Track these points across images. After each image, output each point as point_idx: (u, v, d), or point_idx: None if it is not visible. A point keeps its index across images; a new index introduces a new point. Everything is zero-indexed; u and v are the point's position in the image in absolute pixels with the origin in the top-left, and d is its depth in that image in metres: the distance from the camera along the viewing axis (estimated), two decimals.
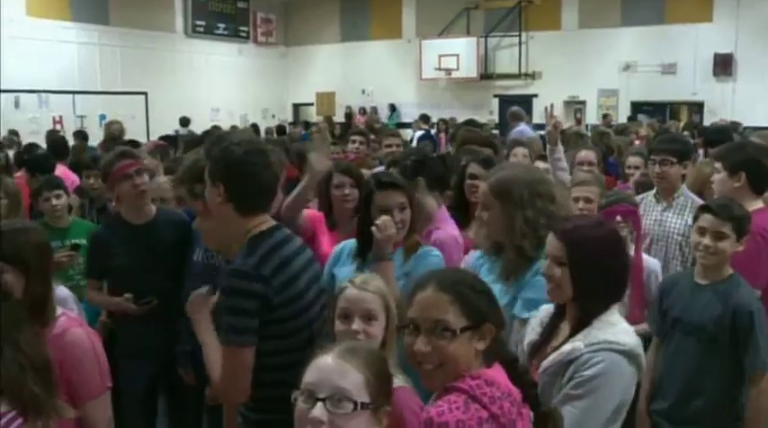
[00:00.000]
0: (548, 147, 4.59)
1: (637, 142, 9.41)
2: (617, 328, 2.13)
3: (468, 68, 19.33)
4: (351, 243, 3.08)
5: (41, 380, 1.69)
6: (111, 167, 3.51)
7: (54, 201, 4.27)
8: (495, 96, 19.48)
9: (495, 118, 18.50)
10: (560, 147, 4.51)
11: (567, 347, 2.12)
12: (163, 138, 8.85)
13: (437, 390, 1.80)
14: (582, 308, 2.17)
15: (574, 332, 2.16)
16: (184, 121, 16.16)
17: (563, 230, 2.20)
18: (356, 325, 2.19)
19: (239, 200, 2.38)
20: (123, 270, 3.48)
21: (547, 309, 2.35)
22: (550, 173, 4.32)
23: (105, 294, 3.61)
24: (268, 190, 2.45)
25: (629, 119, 15.95)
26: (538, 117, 12.71)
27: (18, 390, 1.63)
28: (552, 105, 5.07)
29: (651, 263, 3.57)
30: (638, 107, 17.79)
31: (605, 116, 16.23)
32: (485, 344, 1.79)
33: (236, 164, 2.35)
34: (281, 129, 11.00)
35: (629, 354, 2.09)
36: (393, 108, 20.72)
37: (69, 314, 2.39)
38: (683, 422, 2.96)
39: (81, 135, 11.30)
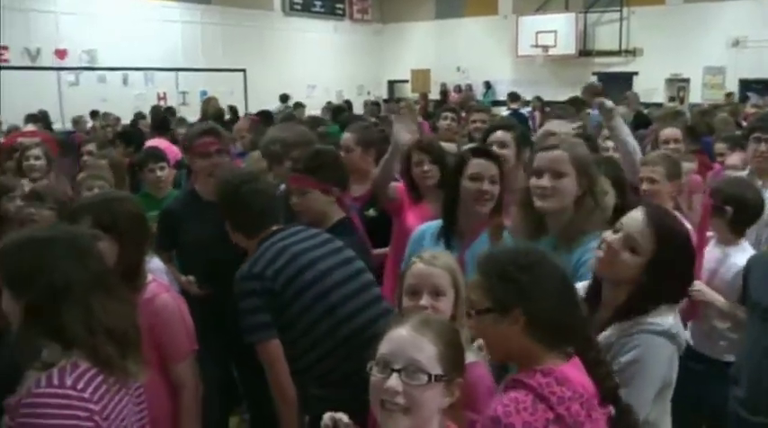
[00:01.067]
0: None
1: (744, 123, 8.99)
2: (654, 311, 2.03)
3: (567, 45, 18.88)
4: (434, 225, 3.01)
5: (117, 342, 1.78)
6: (192, 142, 3.57)
7: (158, 173, 4.50)
8: (594, 74, 18.93)
9: None
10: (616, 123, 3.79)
11: (606, 332, 2.04)
12: (259, 113, 9.03)
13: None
14: (637, 298, 2.04)
15: (615, 317, 2.07)
16: (284, 98, 16.43)
17: (653, 215, 2.08)
18: (425, 300, 2.16)
19: (243, 230, 2.77)
20: (192, 244, 3.50)
21: (582, 286, 2.20)
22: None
23: (174, 268, 3.59)
24: (266, 213, 2.76)
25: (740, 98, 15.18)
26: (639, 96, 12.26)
27: (91, 350, 1.73)
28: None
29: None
30: (747, 85, 16.87)
31: (728, 94, 15.48)
32: (520, 328, 1.74)
33: (232, 201, 2.75)
34: (375, 106, 11.05)
35: (667, 334, 2.00)
36: (488, 86, 20.46)
37: (159, 280, 2.53)
38: (760, 411, 2.83)
39: (169, 111, 11.73)
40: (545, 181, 2.57)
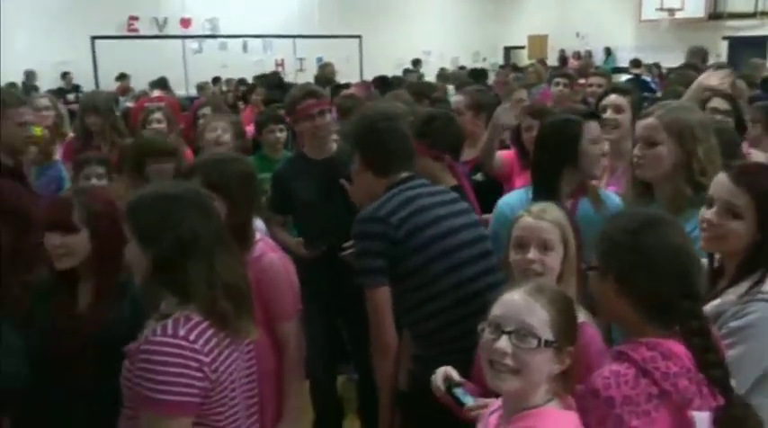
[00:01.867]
0: None
1: None
2: None
3: (695, 8, 17.83)
4: (515, 197, 2.92)
5: (232, 299, 1.85)
6: (296, 106, 3.59)
7: (278, 134, 4.63)
8: (725, 38, 17.87)
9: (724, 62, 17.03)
10: None
11: (716, 301, 1.93)
12: (377, 79, 9.04)
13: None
14: (751, 260, 1.93)
15: (729, 284, 1.96)
16: (415, 62, 16.34)
17: (737, 173, 1.96)
18: (532, 254, 2.09)
19: (373, 167, 2.61)
20: (304, 205, 3.56)
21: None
22: None
23: (285, 232, 3.68)
24: (399, 154, 2.61)
25: None
26: None
27: (208, 305, 1.80)
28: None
29: None
30: None
31: None
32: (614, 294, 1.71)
33: (367, 135, 2.59)
34: (477, 73, 10.81)
35: None
36: (608, 52, 19.70)
37: (266, 240, 2.61)
38: None
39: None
40: (639, 149, 2.52)
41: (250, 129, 6.52)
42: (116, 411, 1.93)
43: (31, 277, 3.13)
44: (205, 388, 1.74)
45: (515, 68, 16.51)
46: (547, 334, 1.60)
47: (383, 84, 8.00)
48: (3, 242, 3.06)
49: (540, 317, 1.61)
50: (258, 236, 2.56)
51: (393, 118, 2.69)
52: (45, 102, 5.35)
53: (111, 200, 2.41)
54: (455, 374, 2.01)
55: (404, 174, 2.62)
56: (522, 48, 21.66)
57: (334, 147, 3.67)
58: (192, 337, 1.73)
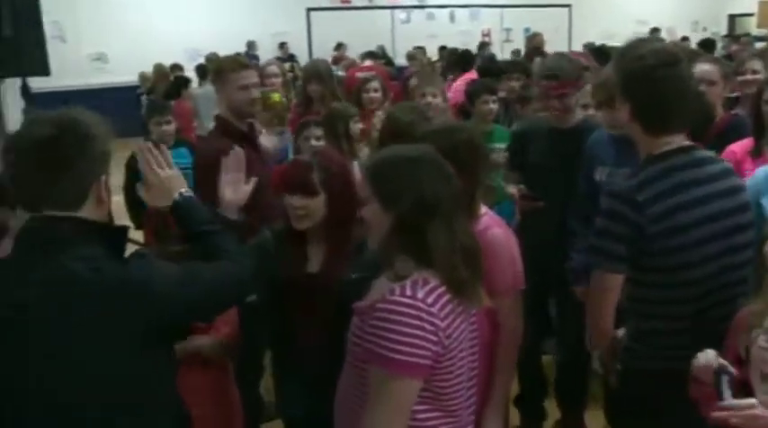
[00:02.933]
0: None
1: None
2: None
3: None
4: None
5: (470, 265, 1.82)
6: (539, 83, 3.56)
7: (491, 105, 4.58)
8: None
9: None
10: None
11: None
12: (592, 50, 8.64)
13: None
14: None
15: None
16: (654, 30, 15.58)
17: None
18: None
19: (644, 119, 2.18)
20: (535, 167, 3.56)
21: None
22: None
23: (517, 189, 3.69)
24: (677, 108, 2.16)
25: None
26: None
27: (448, 269, 1.78)
28: None
29: None
30: None
31: None
32: None
33: (641, 80, 2.15)
34: (707, 44, 9.93)
35: None
36: None
37: (491, 214, 2.54)
38: None
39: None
40: None
41: (454, 97, 6.52)
42: (339, 365, 1.97)
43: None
44: (437, 353, 1.72)
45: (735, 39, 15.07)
46: None
47: (600, 54, 7.60)
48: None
49: None
50: (484, 209, 2.50)
51: (674, 63, 2.17)
52: (274, 69, 5.63)
53: (345, 163, 2.46)
54: (729, 365, 1.80)
55: (676, 141, 2.18)
56: (751, 15, 19.81)
57: (580, 117, 3.58)
58: (429, 300, 1.71)
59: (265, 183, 3.52)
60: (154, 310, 1.60)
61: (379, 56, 10.37)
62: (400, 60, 13.24)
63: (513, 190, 3.66)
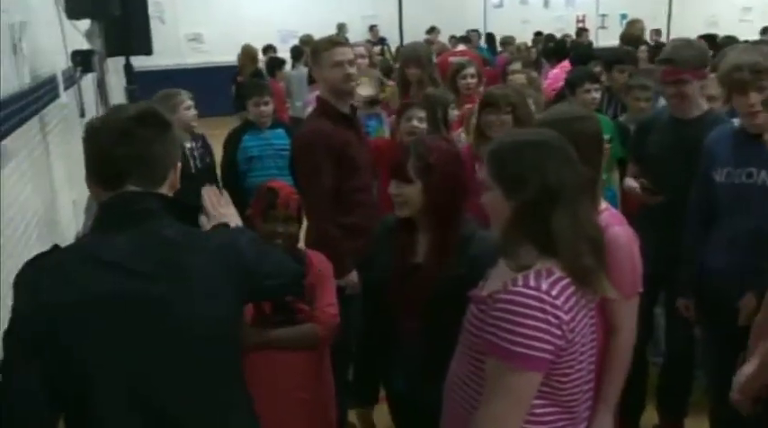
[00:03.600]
0: None
1: None
2: None
3: None
4: None
5: (594, 253, 1.73)
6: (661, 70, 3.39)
7: (593, 94, 4.44)
8: None
9: None
10: None
11: None
12: (702, 38, 8.25)
13: None
14: None
15: None
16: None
17: None
18: None
19: None
20: (653, 159, 3.41)
21: None
22: None
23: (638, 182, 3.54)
24: None
25: None
26: None
27: (573, 258, 1.70)
28: None
29: None
30: None
31: None
32: None
33: None
34: None
35: None
36: None
37: (612, 210, 2.42)
38: None
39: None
40: None
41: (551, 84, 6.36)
42: (440, 348, 1.93)
43: (350, 220, 3.32)
44: (560, 347, 1.64)
45: None
46: None
47: (711, 43, 7.23)
48: (325, 184, 3.25)
49: None
50: (604, 205, 2.38)
51: None
52: (360, 50, 5.63)
53: (451, 152, 2.38)
54: None
55: None
56: None
57: (704, 108, 3.39)
58: (554, 292, 1.64)
59: (366, 167, 3.51)
60: (243, 269, 1.71)
61: (473, 41, 10.19)
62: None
63: (632, 182, 3.50)
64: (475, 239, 2.23)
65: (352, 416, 3.62)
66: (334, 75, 3.36)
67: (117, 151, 1.64)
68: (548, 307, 1.62)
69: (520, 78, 5.29)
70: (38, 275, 1.58)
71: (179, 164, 1.79)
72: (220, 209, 1.99)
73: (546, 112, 2.84)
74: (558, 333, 1.63)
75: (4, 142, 2.61)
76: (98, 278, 1.56)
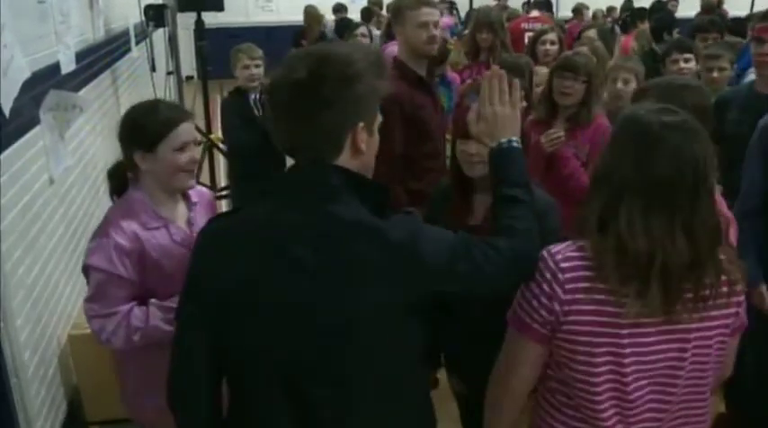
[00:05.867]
0: None
1: None
2: None
3: None
4: None
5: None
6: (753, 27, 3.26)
7: (682, 64, 4.19)
8: None
9: None
10: None
11: None
12: None
13: None
14: None
15: None
16: None
17: None
18: None
19: None
20: (731, 139, 3.19)
21: None
22: None
23: None
24: None
25: None
26: None
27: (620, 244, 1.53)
28: None
29: None
30: None
31: None
32: None
33: None
34: None
35: None
36: None
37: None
38: None
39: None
40: None
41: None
42: (493, 312, 1.82)
43: (418, 186, 3.25)
44: (550, 323, 1.56)
45: None
46: None
47: None
48: (396, 149, 3.17)
49: None
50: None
51: None
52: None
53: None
54: None
55: None
56: None
57: None
58: (564, 265, 1.54)
59: (437, 132, 3.41)
60: (417, 275, 1.45)
61: (547, 7, 9.89)
62: (563, 13, 12.64)
63: None
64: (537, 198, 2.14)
65: None
66: (418, 36, 3.26)
67: (283, 115, 1.49)
68: (548, 275, 1.55)
69: (584, 49, 5.05)
70: (211, 245, 1.55)
71: (361, 125, 1.51)
72: (498, 108, 1.69)
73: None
74: (549, 306, 1.55)
75: (80, 92, 2.62)
76: (264, 262, 1.46)
